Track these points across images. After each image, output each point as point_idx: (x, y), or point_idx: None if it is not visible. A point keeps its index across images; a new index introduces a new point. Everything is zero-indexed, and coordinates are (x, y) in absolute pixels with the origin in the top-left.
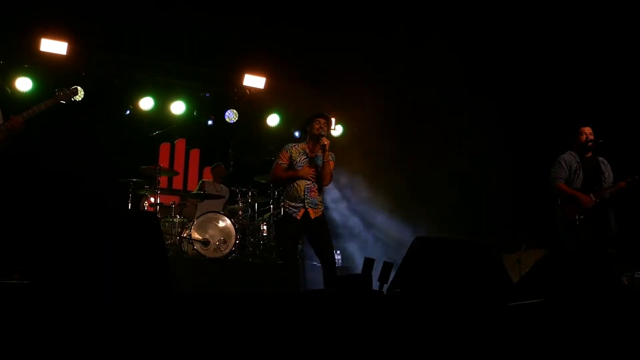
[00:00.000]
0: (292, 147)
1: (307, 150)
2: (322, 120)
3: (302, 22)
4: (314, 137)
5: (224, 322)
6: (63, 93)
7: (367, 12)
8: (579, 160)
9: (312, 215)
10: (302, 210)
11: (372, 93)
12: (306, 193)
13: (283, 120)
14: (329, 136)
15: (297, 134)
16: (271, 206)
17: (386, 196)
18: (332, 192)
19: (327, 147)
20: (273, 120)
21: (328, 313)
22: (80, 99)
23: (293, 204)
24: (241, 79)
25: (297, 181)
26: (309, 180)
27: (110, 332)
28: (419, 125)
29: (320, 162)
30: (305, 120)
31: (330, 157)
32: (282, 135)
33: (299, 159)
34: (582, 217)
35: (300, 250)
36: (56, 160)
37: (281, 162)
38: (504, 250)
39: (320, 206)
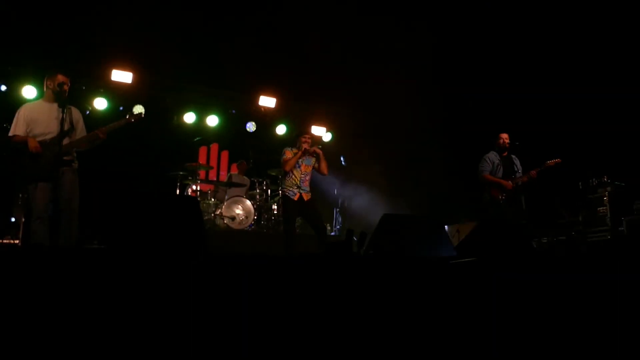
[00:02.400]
0: (291, 149)
1: (295, 152)
2: (307, 136)
3: (302, 61)
4: (304, 150)
5: (242, 275)
6: (132, 116)
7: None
8: (499, 158)
9: (305, 198)
10: (298, 194)
11: (351, 108)
12: (300, 182)
13: (288, 130)
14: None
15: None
16: (280, 191)
17: (362, 184)
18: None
19: (320, 155)
20: (281, 129)
21: (318, 268)
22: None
23: (291, 189)
24: (258, 99)
25: (294, 172)
26: (303, 171)
27: (166, 279)
28: (386, 129)
29: (311, 162)
30: (295, 135)
31: (322, 157)
32: (287, 141)
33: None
34: (504, 197)
35: (300, 225)
36: (124, 159)
37: (287, 156)
38: (447, 223)
39: (309, 192)
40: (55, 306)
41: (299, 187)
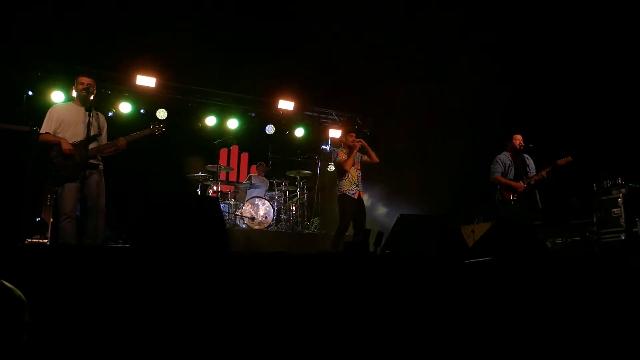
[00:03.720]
0: (340, 150)
1: (347, 152)
2: (354, 135)
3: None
4: (350, 146)
5: (261, 271)
6: (155, 127)
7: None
8: (510, 159)
9: (361, 196)
10: (357, 192)
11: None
12: (358, 179)
13: (306, 133)
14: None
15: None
16: (297, 192)
17: (378, 183)
18: None
19: (366, 146)
20: (299, 132)
21: (340, 265)
22: (164, 117)
23: (350, 188)
24: (277, 103)
25: (351, 171)
26: (357, 168)
27: (189, 277)
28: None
29: (359, 158)
30: (343, 133)
31: (368, 148)
32: (305, 143)
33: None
34: (515, 197)
35: (317, 225)
36: (147, 160)
37: (343, 157)
38: (462, 223)
39: None
40: (82, 302)
41: (357, 185)
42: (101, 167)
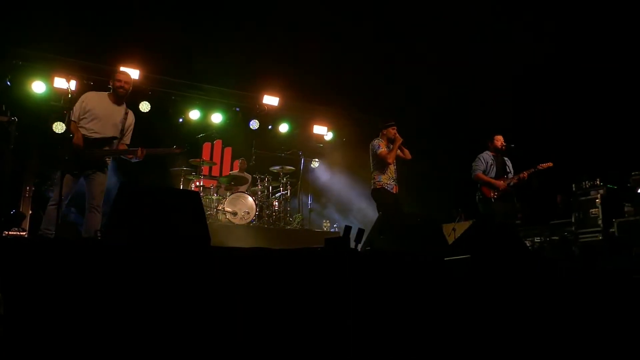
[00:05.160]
0: (380, 140)
1: (386, 144)
2: (395, 128)
3: (304, 62)
4: (392, 139)
5: (243, 267)
6: (177, 148)
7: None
8: (492, 158)
9: (397, 190)
10: (395, 187)
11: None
12: (395, 174)
13: (291, 128)
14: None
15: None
16: (281, 188)
17: (359, 182)
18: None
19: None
20: (284, 128)
21: (321, 261)
22: (146, 110)
23: (388, 182)
24: (261, 98)
25: (390, 166)
26: (394, 163)
27: (170, 268)
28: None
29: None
30: (382, 126)
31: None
32: (289, 139)
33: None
34: (496, 195)
35: (300, 221)
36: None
37: (384, 150)
38: (444, 222)
39: None
40: (59, 295)
41: (394, 180)
42: (108, 161)
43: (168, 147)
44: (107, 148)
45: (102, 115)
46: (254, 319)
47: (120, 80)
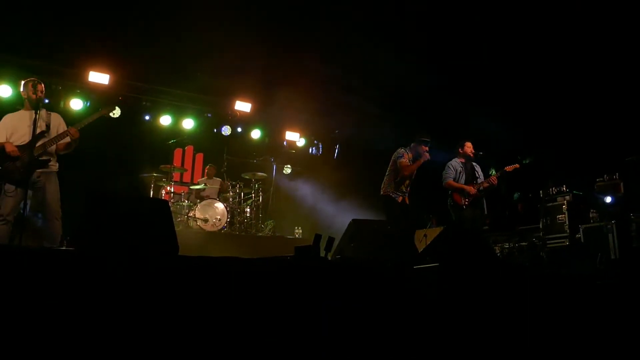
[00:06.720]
0: (406, 151)
1: (410, 157)
2: (428, 147)
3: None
4: (419, 154)
5: (214, 275)
6: (104, 109)
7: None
8: (461, 165)
9: (406, 201)
10: (401, 197)
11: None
12: (407, 188)
13: (263, 134)
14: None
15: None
16: (252, 194)
17: (330, 188)
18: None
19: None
20: (256, 134)
21: (291, 270)
22: (117, 115)
23: (397, 192)
24: (234, 104)
25: (405, 181)
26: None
27: (136, 278)
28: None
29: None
30: (418, 140)
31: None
32: (261, 145)
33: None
34: (467, 202)
35: (272, 227)
36: (99, 160)
37: (407, 162)
38: (416, 227)
39: None
40: (22, 306)
41: (404, 193)
42: (55, 167)
43: (96, 113)
44: (39, 144)
45: (23, 125)
46: (223, 329)
47: (25, 88)
